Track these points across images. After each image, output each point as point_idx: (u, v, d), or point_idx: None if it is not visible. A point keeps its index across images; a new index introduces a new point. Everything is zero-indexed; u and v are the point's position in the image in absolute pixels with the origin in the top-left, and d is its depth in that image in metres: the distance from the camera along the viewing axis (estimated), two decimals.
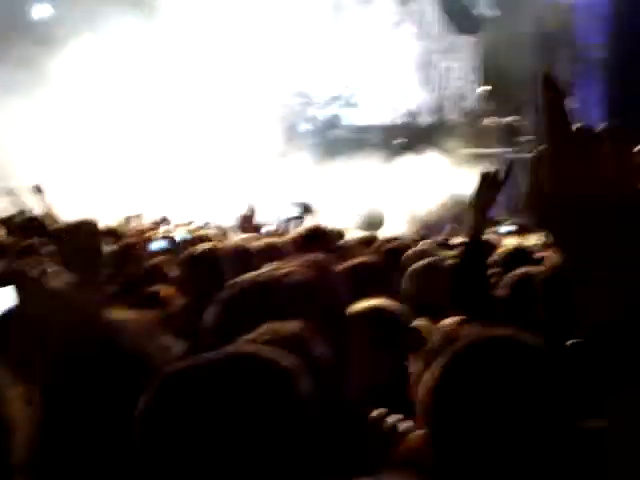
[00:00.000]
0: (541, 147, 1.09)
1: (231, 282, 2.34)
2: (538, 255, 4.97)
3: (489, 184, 3.90)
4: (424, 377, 1.73)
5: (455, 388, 1.65)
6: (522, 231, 9.93)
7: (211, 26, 18.44)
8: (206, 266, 4.21)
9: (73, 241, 4.01)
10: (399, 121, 18.37)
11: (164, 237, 6.96)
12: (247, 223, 9.81)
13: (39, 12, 18.71)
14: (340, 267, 4.44)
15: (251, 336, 1.89)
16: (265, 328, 1.92)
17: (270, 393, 1.47)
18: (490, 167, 4.16)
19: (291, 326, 1.95)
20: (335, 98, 18.68)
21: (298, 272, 2.29)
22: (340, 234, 6.79)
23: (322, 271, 2.43)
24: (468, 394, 1.64)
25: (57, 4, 18.29)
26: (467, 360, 1.68)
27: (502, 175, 4.00)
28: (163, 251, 6.06)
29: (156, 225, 9.80)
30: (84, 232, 4.11)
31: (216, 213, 12.22)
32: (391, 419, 2.25)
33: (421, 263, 4.41)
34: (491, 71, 17.49)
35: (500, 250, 5.18)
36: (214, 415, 1.43)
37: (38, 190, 7.56)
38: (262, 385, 1.47)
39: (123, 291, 4.45)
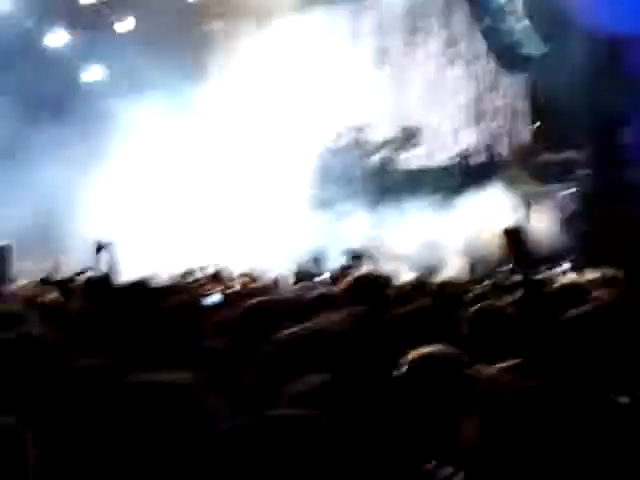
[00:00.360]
0: None
1: (276, 336, 2.35)
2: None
3: (513, 239, 3.92)
4: (468, 425, 1.71)
5: (497, 438, 1.63)
6: (578, 268, 9.80)
7: (261, 80, 18.82)
8: (260, 318, 4.20)
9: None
10: (451, 162, 18.32)
11: (218, 291, 6.99)
12: (303, 273, 9.85)
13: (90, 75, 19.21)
14: (393, 314, 4.43)
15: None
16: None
17: (313, 454, 1.46)
18: (512, 223, 4.17)
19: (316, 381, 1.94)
20: (388, 142, 18.72)
21: (340, 323, 2.29)
22: (390, 280, 6.75)
23: (364, 321, 2.42)
24: (509, 444, 1.61)
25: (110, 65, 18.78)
26: (509, 411, 1.66)
27: (524, 228, 4.03)
28: (216, 306, 6.08)
29: (213, 279, 9.86)
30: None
31: (271, 263, 12.30)
32: (445, 471, 2.23)
33: (479, 307, 4.36)
34: (543, 108, 17.40)
35: (554, 288, 5.11)
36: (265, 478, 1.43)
37: (100, 247, 7.35)
38: (306, 447, 1.47)
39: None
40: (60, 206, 15.95)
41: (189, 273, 11.10)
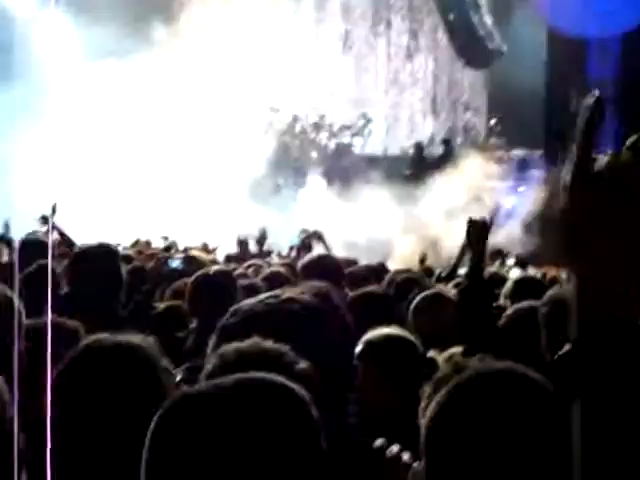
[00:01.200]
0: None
1: (233, 308, 2.33)
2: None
3: (477, 231, 3.99)
4: (428, 407, 1.72)
5: (453, 420, 1.63)
6: (522, 264, 9.95)
7: (222, 48, 18.61)
8: (220, 288, 4.19)
9: (95, 264, 4.03)
10: (408, 152, 18.41)
11: (181, 257, 6.95)
12: (257, 249, 9.82)
13: None
14: (347, 296, 4.46)
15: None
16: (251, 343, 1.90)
17: (285, 420, 1.43)
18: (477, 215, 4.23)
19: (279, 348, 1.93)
20: (346, 127, 18.75)
21: (301, 299, 2.28)
22: (349, 263, 6.78)
23: (326, 298, 2.42)
24: (466, 427, 1.61)
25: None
26: (468, 392, 1.67)
27: (489, 221, 4.09)
28: (179, 270, 6.07)
29: (166, 250, 9.82)
30: (106, 255, 4.13)
31: (224, 238, 12.24)
32: (394, 448, 2.24)
33: (426, 295, 4.44)
34: (501, 104, 17.56)
35: (508, 282, 5.19)
36: (227, 441, 1.38)
37: (53, 211, 7.27)
38: (277, 412, 1.43)
39: (137, 312, 4.46)
40: None
41: (141, 242, 11.03)
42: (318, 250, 8.10)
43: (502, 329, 3.72)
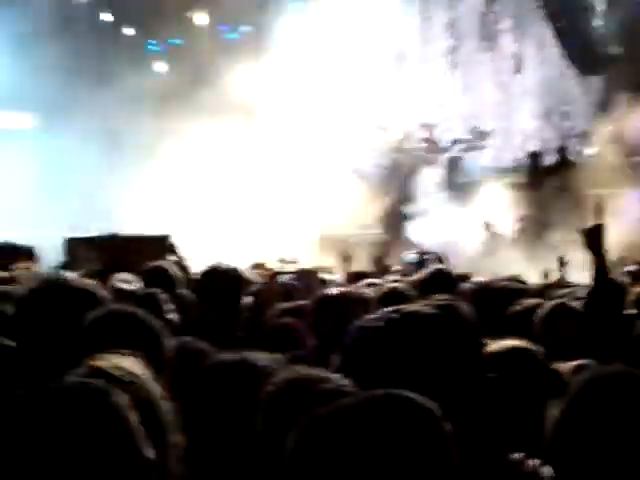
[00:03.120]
0: None
1: (352, 326, 2.33)
2: None
3: (591, 236, 3.91)
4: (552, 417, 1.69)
5: (577, 424, 1.60)
6: None
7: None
8: (338, 308, 4.19)
9: (216, 286, 4.09)
10: (522, 162, 18.14)
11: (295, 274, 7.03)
12: (377, 264, 9.86)
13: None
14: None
15: None
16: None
17: (419, 434, 1.43)
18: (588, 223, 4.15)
19: None
20: (457, 141, 18.63)
21: (423, 311, 2.26)
22: (466, 277, 6.70)
23: (451, 310, 2.39)
24: (590, 429, 1.58)
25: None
26: (589, 396, 1.63)
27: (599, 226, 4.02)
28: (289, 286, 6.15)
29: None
30: (227, 277, 4.19)
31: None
32: (531, 462, 2.20)
33: (549, 306, 4.34)
34: (615, 111, 17.14)
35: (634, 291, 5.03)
36: (365, 456, 1.39)
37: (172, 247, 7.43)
38: (410, 426, 1.44)
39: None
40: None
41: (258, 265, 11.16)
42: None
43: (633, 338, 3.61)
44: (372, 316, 2.32)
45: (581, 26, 17.16)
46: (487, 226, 15.57)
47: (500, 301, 4.61)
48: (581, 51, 17.67)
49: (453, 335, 2.30)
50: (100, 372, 1.85)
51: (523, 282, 6.06)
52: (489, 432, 2.42)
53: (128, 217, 14.30)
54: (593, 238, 3.97)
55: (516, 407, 2.82)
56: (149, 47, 19.43)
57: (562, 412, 1.65)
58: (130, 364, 1.95)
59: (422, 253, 9.32)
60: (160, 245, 9.09)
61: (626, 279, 8.14)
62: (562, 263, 8.17)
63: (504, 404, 2.76)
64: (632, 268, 10.15)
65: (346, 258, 9.92)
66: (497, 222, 15.88)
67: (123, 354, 2.00)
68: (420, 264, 9.09)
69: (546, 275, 9.74)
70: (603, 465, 1.60)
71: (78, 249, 9.06)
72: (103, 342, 2.25)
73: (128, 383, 1.83)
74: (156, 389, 1.92)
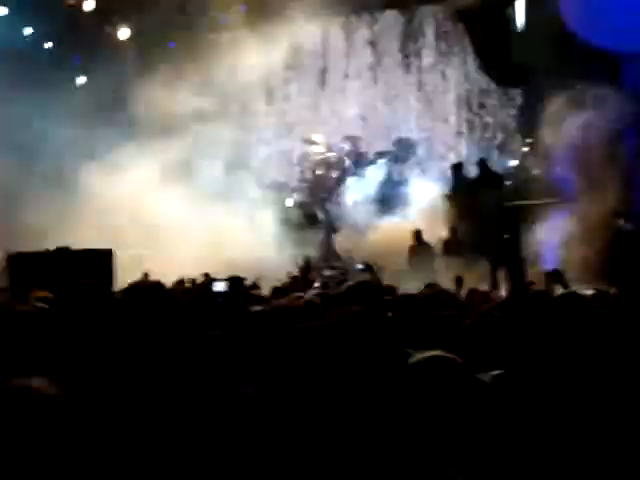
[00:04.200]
0: None
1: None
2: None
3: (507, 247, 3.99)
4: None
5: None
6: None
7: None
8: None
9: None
10: (446, 174, 18.36)
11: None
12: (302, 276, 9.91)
13: None
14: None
15: None
16: None
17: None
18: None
19: None
20: (381, 154, 18.77)
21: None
22: (392, 289, 6.73)
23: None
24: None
25: None
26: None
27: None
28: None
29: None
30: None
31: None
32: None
33: (475, 315, 4.38)
34: (536, 123, 17.44)
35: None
36: None
37: None
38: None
39: None
40: None
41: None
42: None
43: None
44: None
45: (500, 39, 17.45)
46: (418, 235, 15.73)
47: (422, 311, 4.65)
48: (500, 63, 17.98)
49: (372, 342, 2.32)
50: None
51: (446, 292, 6.14)
52: (412, 442, 2.43)
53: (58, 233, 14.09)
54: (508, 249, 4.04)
55: (439, 417, 2.82)
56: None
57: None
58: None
59: (367, 263, 9.40)
60: (104, 259, 9.15)
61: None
62: (459, 283, 8.17)
63: (427, 414, 2.77)
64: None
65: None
66: (426, 233, 16.04)
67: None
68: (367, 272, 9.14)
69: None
70: None
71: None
72: None
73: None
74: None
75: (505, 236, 3.86)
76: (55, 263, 9.05)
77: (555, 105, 15.01)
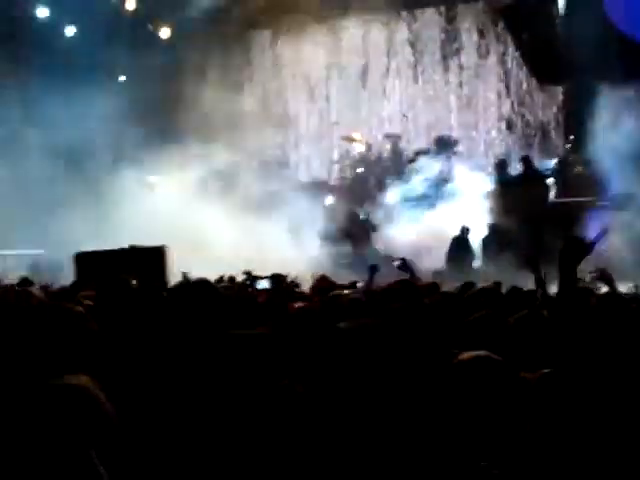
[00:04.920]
0: None
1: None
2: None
3: (575, 249, 3.92)
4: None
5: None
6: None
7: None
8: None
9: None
10: (489, 171, 18.27)
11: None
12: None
13: None
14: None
15: None
16: None
17: None
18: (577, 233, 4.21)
19: None
20: (422, 152, 18.70)
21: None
22: (434, 287, 6.72)
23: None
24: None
25: None
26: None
27: (589, 240, 4.03)
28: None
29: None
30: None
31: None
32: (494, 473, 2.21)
33: (516, 317, 4.35)
34: (576, 119, 17.31)
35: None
36: None
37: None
38: None
39: None
40: None
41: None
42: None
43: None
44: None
45: (543, 36, 17.31)
46: (463, 231, 15.70)
47: (462, 310, 4.65)
48: (543, 61, 17.83)
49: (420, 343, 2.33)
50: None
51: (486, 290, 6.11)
52: (457, 439, 2.43)
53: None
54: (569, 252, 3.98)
55: (483, 415, 2.82)
56: None
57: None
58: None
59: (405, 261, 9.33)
60: (157, 256, 9.24)
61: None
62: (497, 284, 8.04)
63: (472, 412, 2.77)
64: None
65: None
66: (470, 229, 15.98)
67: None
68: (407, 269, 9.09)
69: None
70: None
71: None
72: None
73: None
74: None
75: (569, 236, 3.83)
76: (120, 261, 9.11)
77: (608, 105, 14.86)
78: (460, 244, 15.75)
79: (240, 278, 11.13)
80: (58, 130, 15.89)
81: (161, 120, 17.85)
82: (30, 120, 16.93)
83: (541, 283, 4.55)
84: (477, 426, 2.70)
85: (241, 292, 6.98)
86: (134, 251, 9.70)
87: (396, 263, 7.17)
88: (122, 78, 19.23)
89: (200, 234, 15.62)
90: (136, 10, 18.78)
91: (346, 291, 6.82)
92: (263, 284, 7.27)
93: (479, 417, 2.76)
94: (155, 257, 9.42)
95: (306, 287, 10.62)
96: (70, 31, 18.63)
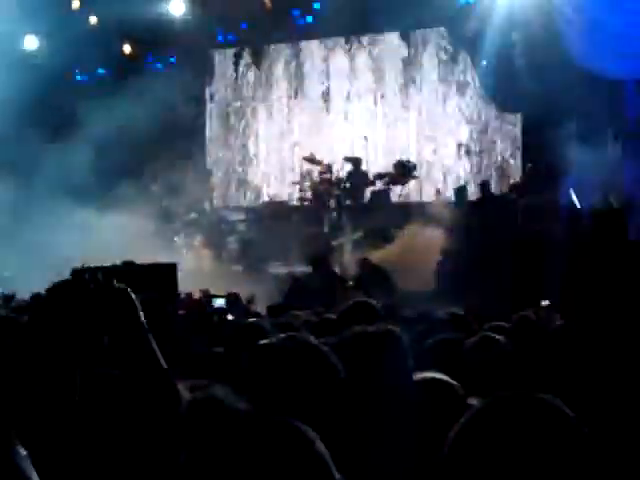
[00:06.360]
0: None
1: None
2: None
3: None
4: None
5: (470, 444, 1.60)
6: None
7: None
8: None
9: None
10: (442, 197, 18.39)
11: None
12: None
13: None
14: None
15: None
16: None
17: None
18: None
19: None
20: (381, 175, 18.77)
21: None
22: (392, 309, 6.70)
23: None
24: (483, 451, 1.58)
25: None
26: (484, 417, 1.63)
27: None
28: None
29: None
30: None
31: None
32: None
33: (473, 340, 4.39)
34: (533, 148, 17.50)
35: None
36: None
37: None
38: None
39: None
40: None
41: None
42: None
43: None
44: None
45: (502, 63, 17.50)
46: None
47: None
48: (502, 88, 18.03)
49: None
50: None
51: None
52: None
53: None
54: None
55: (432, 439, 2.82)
56: None
57: (458, 430, 1.66)
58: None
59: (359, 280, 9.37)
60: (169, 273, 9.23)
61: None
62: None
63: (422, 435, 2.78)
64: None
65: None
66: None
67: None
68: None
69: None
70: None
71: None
72: None
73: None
74: None
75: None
76: (121, 277, 9.02)
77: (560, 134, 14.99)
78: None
79: (197, 295, 11.13)
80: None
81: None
82: None
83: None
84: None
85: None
86: (144, 267, 9.64)
87: (350, 283, 7.23)
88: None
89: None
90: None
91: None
92: (219, 302, 7.27)
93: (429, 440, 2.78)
94: (168, 273, 9.45)
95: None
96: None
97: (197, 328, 5.08)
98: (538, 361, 3.82)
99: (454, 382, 3.19)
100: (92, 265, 2.78)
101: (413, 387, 2.85)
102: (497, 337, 4.53)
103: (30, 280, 10.59)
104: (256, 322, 4.82)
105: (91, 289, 2.44)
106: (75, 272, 2.53)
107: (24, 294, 10.14)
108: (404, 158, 18.87)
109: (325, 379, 2.18)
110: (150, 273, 8.91)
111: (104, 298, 2.47)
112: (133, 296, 2.53)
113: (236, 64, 21.04)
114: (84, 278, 2.45)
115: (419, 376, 3.05)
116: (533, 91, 16.21)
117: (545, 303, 10.40)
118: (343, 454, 2.04)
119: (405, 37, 19.72)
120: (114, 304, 2.48)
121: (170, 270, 9.69)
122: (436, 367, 3.29)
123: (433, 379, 3.06)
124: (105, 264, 3.57)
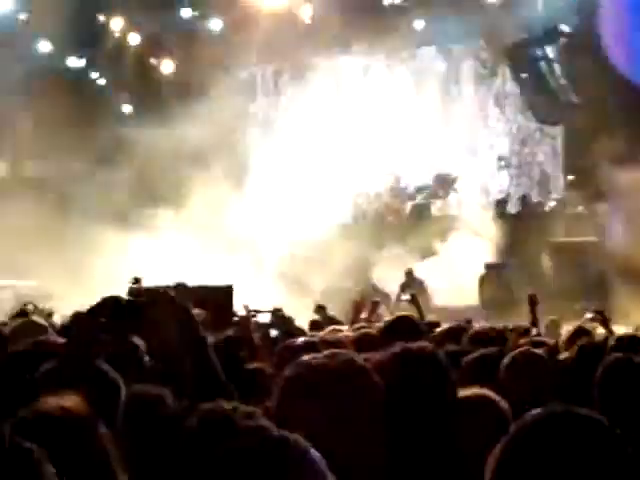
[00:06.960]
0: None
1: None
2: None
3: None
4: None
5: (517, 462, 1.62)
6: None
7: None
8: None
9: None
10: (484, 210, 18.32)
11: None
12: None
13: None
14: None
15: None
16: None
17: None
18: None
19: None
20: (421, 189, 18.76)
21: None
22: (435, 324, 6.67)
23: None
24: (530, 468, 1.60)
25: None
26: (530, 434, 1.64)
27: None
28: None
29: None
30: None
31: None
32: None
33: (520, 354, 4.32)
34: (575, 158, 17.38)
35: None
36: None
37: None
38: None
39: None
40: None
41: None
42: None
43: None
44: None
45: (543, 76, 17.42)
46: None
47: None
48: (542, 101, 17.93)
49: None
50: (42, 415, 1.95)
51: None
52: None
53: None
54: None
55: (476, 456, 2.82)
56: None
57: (502, 449, 1.68)
58: (73, 404, 2.04)
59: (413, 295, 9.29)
60: (224, 295, 9.30)
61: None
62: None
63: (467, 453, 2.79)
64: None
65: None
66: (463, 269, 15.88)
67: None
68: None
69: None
70: None
71: None
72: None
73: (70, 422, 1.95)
74: (99, 427, 2.03)
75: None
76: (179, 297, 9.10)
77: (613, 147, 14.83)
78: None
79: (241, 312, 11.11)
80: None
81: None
82: None
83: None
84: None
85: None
86: (202, 289, 9.78)
87: (406, 297, 7.16)
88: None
89: None
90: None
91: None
92: (264, 318, 7.23)
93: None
94: (225, 295, 9.53)
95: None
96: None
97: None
98: (587, 376, 3.78)
99: (497, 397, 3.20)
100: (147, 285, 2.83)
101: (458, 404, 2.85)
102: (537, 351, 4.50)
103: (69, 298, 10.77)
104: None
105: (153, 305, 2.49)
106: (132, 291, 2.57)
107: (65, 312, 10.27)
108: (444, 172, 18.84)
109: (368, 398, 2.20)
110: (206, 294, 8.98)
111: (166, 315, 2.51)
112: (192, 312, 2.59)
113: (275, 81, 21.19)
114: (142, 296, 2.50)
115: (462, 393, 3.06)
116: (574, 103, 16.13)
117: (588, 316, 10.31)
118: (391, 474, 2.06)
119: (443, 51, 19.69)
120: (176, 320, 2.53)
121: (227, 292, 9.77)
122: (476, 383, 3.29)
123: (478, 395, 3.07)
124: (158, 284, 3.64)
